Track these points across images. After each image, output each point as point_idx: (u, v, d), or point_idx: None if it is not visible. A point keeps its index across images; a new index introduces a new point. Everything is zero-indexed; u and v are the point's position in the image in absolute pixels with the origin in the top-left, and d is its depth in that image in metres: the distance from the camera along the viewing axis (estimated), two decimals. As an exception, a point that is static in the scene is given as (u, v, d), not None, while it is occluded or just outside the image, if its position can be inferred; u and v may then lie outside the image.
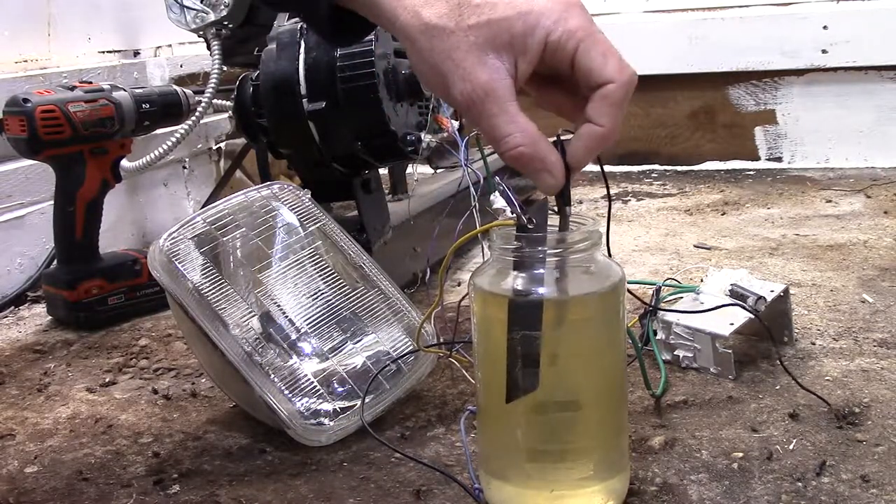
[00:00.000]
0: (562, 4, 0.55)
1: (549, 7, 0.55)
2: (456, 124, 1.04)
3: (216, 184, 1.64)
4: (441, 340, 0.88)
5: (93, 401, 0.92)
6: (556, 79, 0.59)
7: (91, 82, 1.17)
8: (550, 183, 0.58)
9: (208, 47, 1.36)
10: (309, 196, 0.90)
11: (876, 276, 1.12)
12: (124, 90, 1.15)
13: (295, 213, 0.88)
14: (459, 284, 1.17)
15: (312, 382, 0.80)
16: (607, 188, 0.76)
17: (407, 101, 1.04)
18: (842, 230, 1.33)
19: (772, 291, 0.89)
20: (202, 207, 1.05)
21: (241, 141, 1.61)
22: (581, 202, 1.63)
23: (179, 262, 0.79)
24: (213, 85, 1.33)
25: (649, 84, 1.89)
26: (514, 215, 0.62)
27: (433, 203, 1.26)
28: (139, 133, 1.19)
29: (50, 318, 1.18)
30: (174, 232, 0.81)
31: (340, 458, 0.76)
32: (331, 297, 0.85)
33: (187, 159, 1.64)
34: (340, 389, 0.81)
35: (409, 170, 1.33)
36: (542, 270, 0.61)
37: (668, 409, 0.81)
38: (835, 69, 1.76)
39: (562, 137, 0.63)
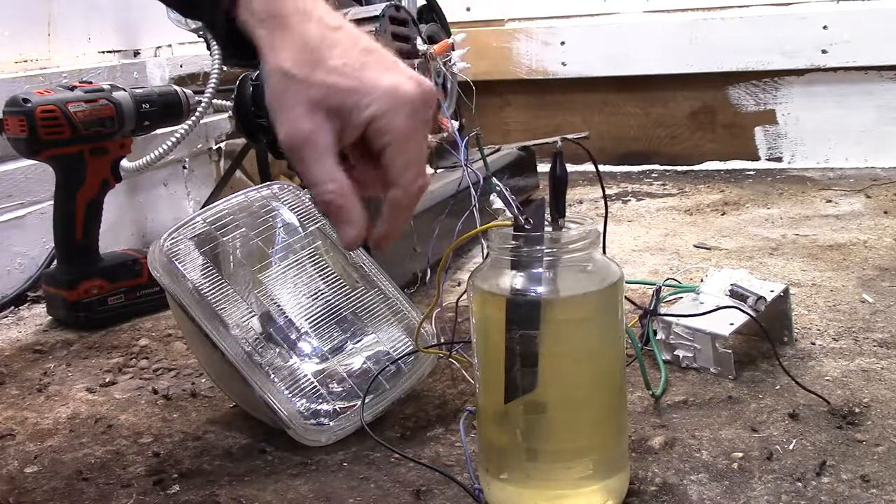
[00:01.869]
0: (399, 98, 0.59)
1: (386, 95, 0.59)
2: (456, 124, 1.05)
3: (216, 184, 1.64)
4: (441, 340, 0.88)
5: (93, 401, 0.92)
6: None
7: (91, 82, 1.17)
8: (351, 234, 0.61)
9: (208, 47, 1.36)
10: (309, 196, 0.90)
11: (876, 276, 1.12)
12: (124, 90, 1.15)
13: (295, 213, 0.88)
14: (459, 284, 1.17)
15: (312, 382, 0.80)
16: (603, 190, 0.77)
17: (407, 101, 1.04)
18: (842, 230, 1.33)
19: (772, 291, 0.89)
20: (202, 207, 1.05)
21: (241, 141, 1.61)
22: (581, 202, 1.64)
23: (179, 262, 0.79)
24: (213, 85, 1.33)
25: (649, 84, 1.89)
26: (512, 215, 0.62)
27: (433, 203, 1.26)
28: (139, 133, 1.19)
29: (50, 318, 1.18)
30: (174, 232, 0.81)
31: (340, 458, 0.76)
32: (331, 297, 0.85)
33: (187, 159, 1.64)
34: (340, 389, 0.81)
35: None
36: (540, 270, 0.61)
37: (668, 409, 0.81)
38: (835, 69, 1.76)
39: (559, 146, 0.64)
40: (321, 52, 0.59)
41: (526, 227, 0.62)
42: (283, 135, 0.60)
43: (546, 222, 0.63)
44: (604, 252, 0.77)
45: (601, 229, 0.65)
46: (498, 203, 0.82)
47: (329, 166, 0.60)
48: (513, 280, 0.62)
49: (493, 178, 0.69)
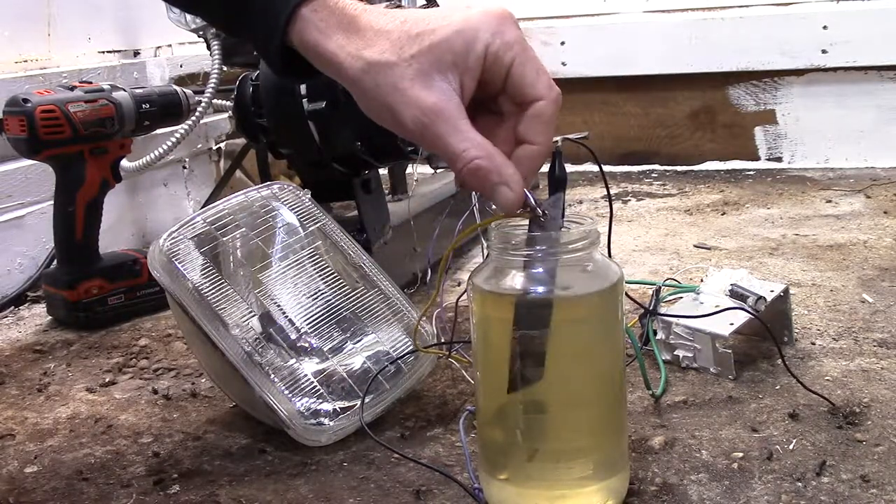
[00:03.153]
0: (497, 17, 0.57)
1: (485, 20, 0.56)
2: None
3: (216, 184, 1.64)
4: (441, 340, 0.88)
5: (93, 401, 0.92)
6: (483, 101, 0.59)
7: (91, 82, 1.17)
8: (509, 197, 0.57)
9: (208, 47, 1.36)
10: (309, 196, 0.90)
11: (876, 276, 1.12)
12: (124, 90, 1.15)
13: (295, 213, 0.88)
14: (459, 284, 1.17)
15: (312, 382, 0.80)
16: (607, 189, 0.77)
17: (407, 101, 1.04)
18: (842, 230, 1.33)
19: (772, 291, 0.89)
20: (202, 207, 1.05)
21: (241, 141, 1.61)
22: (581, 202, 1.64)
23: (179, 262, 0.79)
24: (213, 85, 1.33)
25: (649, 84, 1.89)
26: (529, 208, 0.61)
27: (433, 203, 1.27)
28: (139, 133, 1.19)
29: (50, 318, 1.18)
30: (174, 232, 0.81)
31: (340, 458, 0.76)
32: (331, 297, 0.85)
33: (187, 159, 1.64)
34: (340, 389, 0.81)
35: (409, 170, 1.33)
36: (550, 269, 0.61)
37: (668, 409, 0.81)
38: (835, 69, 1.76)
39: (559, 146, 0.64)
40: (400, 30, 0.57)
41: (542, 219, 0.61)
42: (410, 123, 0.56)
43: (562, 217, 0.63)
44: (609, 254, 0.77)
45: (601, 229, 0.65)
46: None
47: (466, 131, 0.56)
48: (520, 279, 0.62)
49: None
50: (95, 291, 1.14)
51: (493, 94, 0.59)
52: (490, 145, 0.57)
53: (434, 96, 0.56)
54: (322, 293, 0.85)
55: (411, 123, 0.56)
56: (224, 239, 0.83)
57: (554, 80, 0.59)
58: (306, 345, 0.83)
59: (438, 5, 1.39)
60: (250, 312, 0.81)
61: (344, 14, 0.59)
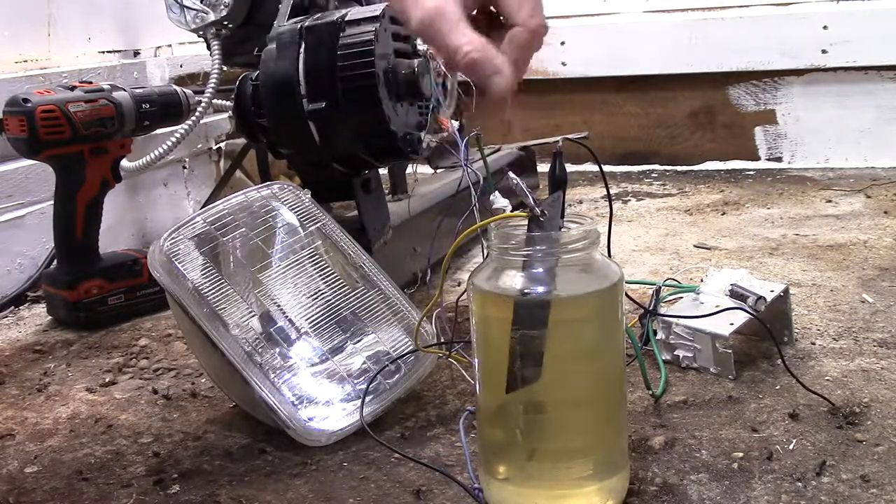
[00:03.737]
0: None
1: None
2: (456, 124, 1.04)
3: (216, 184, 1.64)
4: (441, 340, 0.88)
5: (93, 401, 0.92)
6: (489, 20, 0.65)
7: (91, 82, 1.17)
8: (502, 82, 0.63)
9: (208, 47, 1.36)
10: (309, 196, 0.90)
11: (876, 276, 1.12)
12: (124, 90, 1.15)
13: (295, 213, 0.88)
14: (459, 284, 1.17)
15: (312, 382, 0.80)
16: (607, 189, 0.77)
17: (407, 101, 1.04)
18: (842, 230, 1.33)
19: (772, 291, 0.89)
20: (202, 207, 1.05)
21: (241, 141, 1.61)
22: (581, 202, 1.64)
23: (179, 262, 0.79)
24: (213, 85, 1.33)
25: (649, 84, 1.89)
26: (528, 207, 0.62)
27: (433, 203, 1.26)
28: (139, 133, 1.19)
29: (50, 318, 1.18)
30: (174, 232, 0.81)
31: (340, 458, 0.76)
32: (331, 297, 0.85)
33: (187, 159, 1.64)
34: (340, 389, 0.81)
35: (409, 170, 1.33)
36: (550, 268, 0.61)
37: (668, 409, 0.81)
38: (835, 69, 1.76)
39: (559, 146, 0.64)
40: None
41: (541, 218, 0.62)
42: (415, 21, 0.62)
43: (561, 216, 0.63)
44: (609, 254, 0.77)
45: (601, 229, 0.65)
46: (499, 203, 0.82)
47: (463, 29, 0.62)
48: (520, 279, 0.62)
49: (508, 171, 0.69)
50: (95, 291, 1.14)
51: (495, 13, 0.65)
52: (485, 41, 0.62)
53: (438, 0, 0.62)
54: (322, 293, 0.85)
55: (417, 22, 0.62)
56: (224, 239, 0.83)
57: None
58: (306, 345, 0.83)
59: None
60: (250, 312, 0.81)
61: None
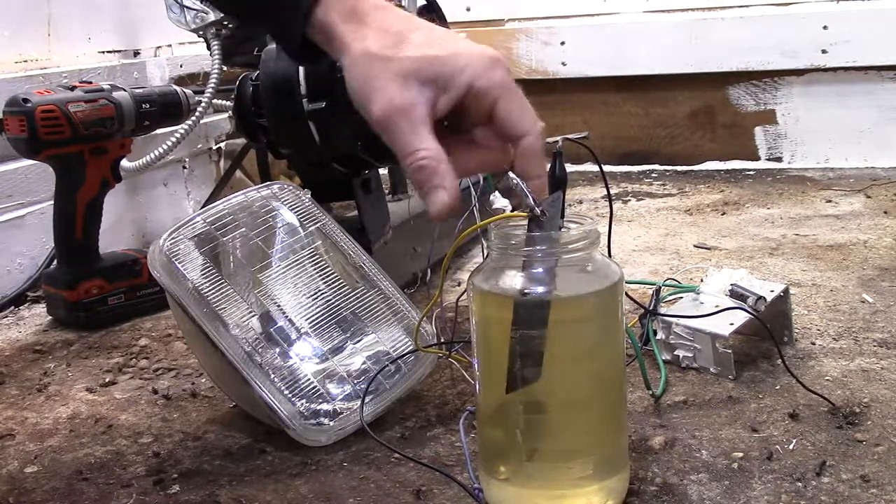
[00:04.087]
0: (489, 59, 0.61)
1: (478, 58, 0.61)
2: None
3: (216, 184, 1.64)
4: (441, 340, 0.88)
5: (93, 401, 0.92)
6: (460, 128, 0.64)
7: (91, 82, 1.17)
8: (444, 200, 0.61)
9: (208, 47, 1.36)
10: (309, 196, 0.90)
11: (876, 276, 1.12)
12: (124, 90, 1.15)
13: (295, 213, 0.88)
14: (459, 284, 1.17)
15: (312, 382, 0.80)
16: (607, 189, 0.77)
17: (407, 101, 1.04)
18: (842, 230, 1.33)
19: (772, 291, 0.89)
20: (202, 207, 1.05)
21: (241, 141, 1.61)
22: (581, 202, 1.64)
23: (179, 262, 0.79)
24: (213, 85, 1.33)
25: (649, 84, 1.89)
26: (528, 207, 0.62)
27: (433, 203, 1.26)
28: (139, 133, 1.19)
29: (50, 318, 1.18)
30: (174, 232, 0.81)
31: (340, 458, 0.76)
32: (331, 297, 0.85)
33: (187, 159, 1.64)
34: (340, 389, 0.81)
35: (409, 170, 1.33)
36: (548, 269, 0.61)
37: (668, 409, 0.81)
38: (835, 69, 1.76)
39: (559, 146, 0.64)
40: (404, 34, 0.62)
41: (541, 218, 0.62)
42: (377, 110, 0.61)
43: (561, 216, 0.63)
44: (609, 254, 0.78)
45: (601, 229, 0.65)
46: (499, 203, 0.82)
47: (424, 134, 0.60)
48: (520, 279, 0.62)
49: (509, 173, 0.69)
50: (95, 291, 1.14)
51: (471, 125, 0.64)
52: (442, 153, 0.61)
53: (406, 97, 0.60)
54: (322, 293, 0.85)
55: (379, 112, 0.61)
56: (224, 239, 0.83)
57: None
58: (306, 345, 0.83)
59: (439, 7, 1.39)
60: (250, 312, 0.81)
61: (356, 7, 0.64)
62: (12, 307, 1.24)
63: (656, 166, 1.91)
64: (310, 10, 0.64)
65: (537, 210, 0.62)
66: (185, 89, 1.24)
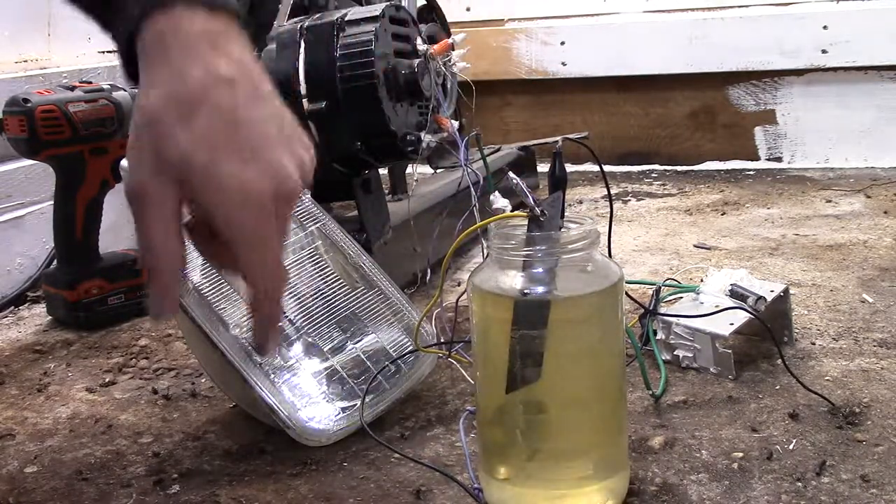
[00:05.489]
0: (248, 197, 0.53)
1: (236, 191, 0.53)
2: (456, 124, 1.05)
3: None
4: (441, 340, 0.88)
5: (93, 401, 0.92)
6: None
7: (91, 82, 1.17)
8: (162, 306, 0.57)
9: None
10: (309, 196, 0.90)
11: (876, 276, 1.12)
12: (124, 90, 1.15)
13: (295, 213, 0.88)
14: (459, 284, 1.17)
15: (312, 382, 0.80)
16: (608, 189, 0.77)
17: (407, 101, 1.04)
18: (842, 230, 1.33)
19: (772, 291, 0.89)
20: (202, 207, 1.05)
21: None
22: (581, 202, 1.64)
23: (179, 262, 0.79)
24: (212, 85, 1.32)
25: (649, 84, 1.89)
26: (528, 207, 0.62)
27: (433, 203, 1.26)
28: (139, 133, 1.19)
29: (50, 318, 1.18)
30: (174, 232, 0.81)
31: (340, 458, 0.76)
32: (331, 297, 0.85)
33: (187, 159, 1.64)
34: (340, 389, 0.81)
35: (409, 170, 1.33)
36: (550, 269, 0.61)
37: (668, 409, 0.81)
38: (835, 69, 1.76)
39: (559, 146, 0.64)
40: (192, 105, 0.53)
41: (541, 219, 0.62)
42: (128, 186, 0.54)
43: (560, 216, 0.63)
44: (609, 254, 0.78)
45: (601, 229, 0.65)
46: (498, 203, 0.82)
47: (167, 232, 0.54)
48: (520, 279, 0.62)
49: (509, 172, 0.69)
50: (95, 291, 1.14)
51: None
52: (179, 258, 0.55)
53: (157, 188, 0.54)
54: (322, 293, 0.85)
55: (128, 189, 0.55)
56: (224, 239, 0.83)
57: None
58: (306, 345, 0.83)
59: (439, 7, 1.39)
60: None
61: (180, 28, 0.55)
62: (12, 307, 1.24)
63: (656, 166, 1.91)
64: (136, 28, 0.55)
65: (537, 210, 0.62)
66: (185, 89, 1.23)
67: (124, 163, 0.57)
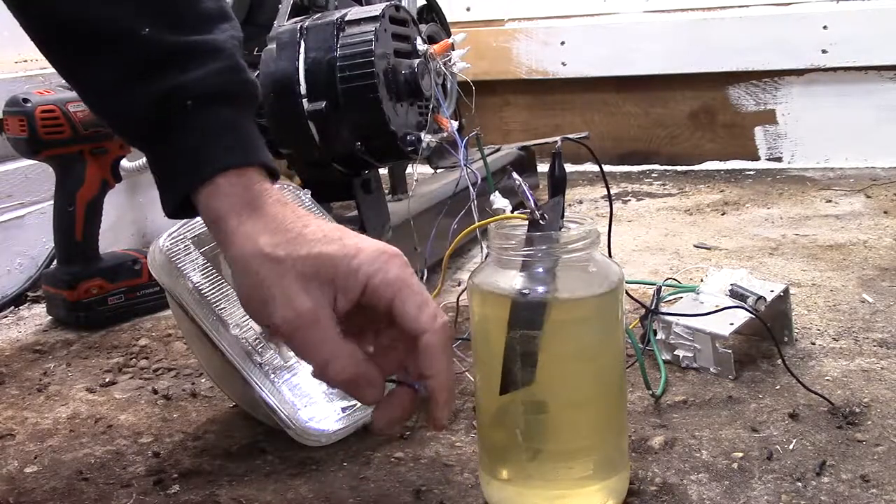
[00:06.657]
0: (385, 255, 0.59)
1: (372, 255, 0.59)
2: (455, 124, 1.04)
3: (216, 184, 1.64)
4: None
5: (93, 401, 0.92)
6: (363, 329, 0.63)
7: (91, 82, 1.17)
8: (374, 395, 0.61)
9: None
10: (309, 196, 0.90)
11: (876, 276, 1.12)
12: (124, 90, 1.15)
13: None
14: (459, 284, 1.17)
15: (312, 382, 0.80)
16: (608, 189, 0.77)
17: (407, 101, 1.04)
18: (842, 230, 1.33)
19: (772, 291, 0.89)
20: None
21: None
22: (581, 202, 1.64)
23: (179, 262, 0.79)
24: (212, 85, 1.32)
25: (649, 84, 1.89)
26: (528, 211, 0.62)
27: (433, 203, 1.26)
28: (139, 133, 1.19)
29: (50, 318, 1.18)
30: (174, 232, 0.81)
31: (340, 458, 0.76)
32: (331, 297, 0.85)
33: (187, 159, 1.64)
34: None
35: (409, 170, 1.33)
36: (549, 269, 0.61)
37: (668, 409, 0.81)
38: (835, 69, 1.76)
39: (559, 146, 0.64)
40: (298, 230, 0.60)
41: (541, 222, 0.62)
42: (282, 319, 0.58)
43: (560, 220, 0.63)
44: (609, 254, 0.77)
45: (601, 229, 0.65)
46: (498, 203, 0.82)
47: (338, 340, 0.59)
48: (519, 279, 0.62)
49: (513, 172, 0.68)
50: (95, 291, 1.14)
51: (375, 323, 0.62)
52: (359, 354, 0.60)
53: (311, 302, 0.58)
54: (322, 293, 0.85)
55: (282, 321, 0.58)
56: (224, 239, 0.82)
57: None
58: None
59: (439, 7, 1.39)
60: (250, 312, 0.81)
61: (253, 195, 0.61)
62: (12, 307, 1.24)
63: (656, 166, 1.91)
64: (192, 190, 0.62)
65: (537, 214, 0.62)
66: (185, 89, 1.23)
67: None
